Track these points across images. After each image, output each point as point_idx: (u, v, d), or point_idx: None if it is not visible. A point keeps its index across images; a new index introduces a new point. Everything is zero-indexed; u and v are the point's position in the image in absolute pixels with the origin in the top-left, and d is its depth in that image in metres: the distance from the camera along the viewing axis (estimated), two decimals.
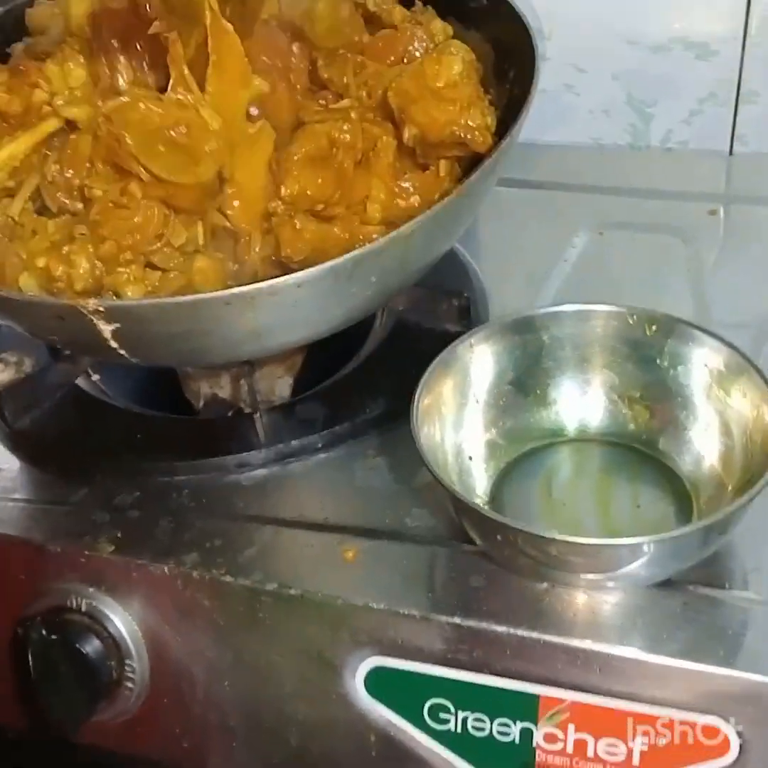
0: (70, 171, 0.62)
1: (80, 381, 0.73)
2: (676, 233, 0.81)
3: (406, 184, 0.65)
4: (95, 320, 0.55)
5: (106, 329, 0.55)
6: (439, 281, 0.72)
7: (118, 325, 0.56)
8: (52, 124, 0.64)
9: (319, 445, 0.67)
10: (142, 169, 0.59)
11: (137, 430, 0.69)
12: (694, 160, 0.90)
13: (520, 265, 0.79)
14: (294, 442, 0.67)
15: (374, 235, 0.63)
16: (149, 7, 0.60)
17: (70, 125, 0.64)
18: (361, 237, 0.63)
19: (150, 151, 0.59)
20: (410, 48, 0.71)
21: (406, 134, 0.65)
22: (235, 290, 0.55)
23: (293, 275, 0.55)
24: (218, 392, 0.75)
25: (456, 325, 0.73)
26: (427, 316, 0.73)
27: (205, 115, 0.59)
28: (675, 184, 0.86)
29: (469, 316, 0.73)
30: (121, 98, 0.60)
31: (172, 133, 0.58)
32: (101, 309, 0.55)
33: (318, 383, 0.73)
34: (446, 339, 0.70)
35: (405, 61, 0.70)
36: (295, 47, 0.68)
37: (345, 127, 0.63)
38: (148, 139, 0.59)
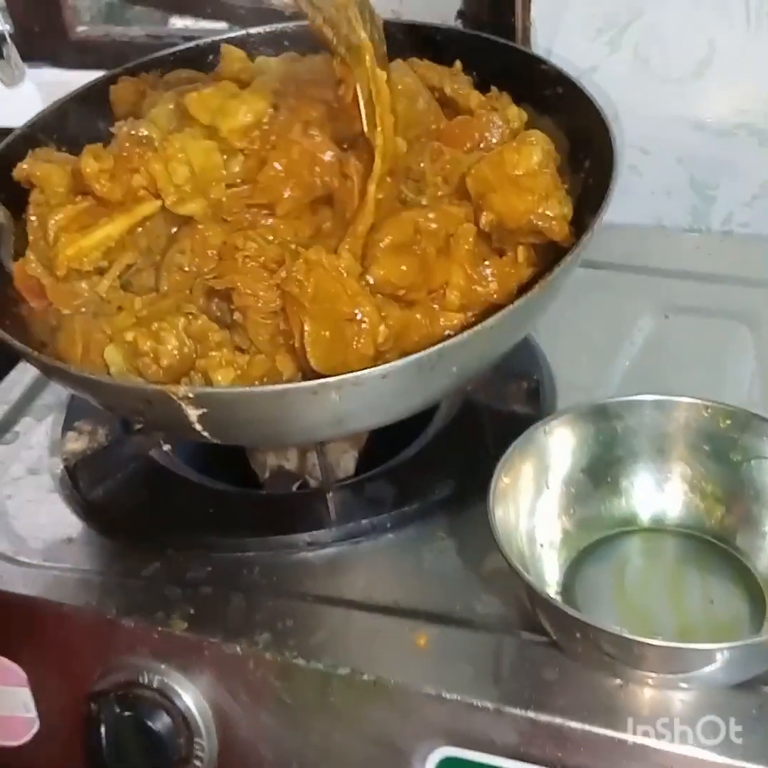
0: (197, 260, 0.64)
1: (152, 451, 0.74)
2: (742, 319, 0.81)
3: (485, 271, 0.65)
4: (184, 405, 0.56)
5: (193, 414, 0.57)
6: (506, 362, 0.73)
7: (205, 410, 0.57)
8: (148, 208, 0.65)
9: (389, 525, 0.68)
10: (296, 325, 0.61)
11: (209, 504, 0.70)
12: (757, 244, 0.91)
13: (586, 347, 0.80)
14: (364, 521, 0.68)
15: (454, 321, 0.64)
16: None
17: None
18: (441, 323, 0.64)
19: (318, 332, 0.60)
20: (486, 134, 0.72)
21: (483, 220, 0.66)
22: (323, 381, 0.56)
23: (379, 367, 0.56)
24: (284, 464, 0.76)
25: (524, 407, 0.74)
26: (495, 398, 0.74)
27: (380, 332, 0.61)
28: (739, 269, 0.86)
29: (537, 399, 0.74)
30: (325, 261, 0.61)
31: (347, 325, 0.60)
32: (191, 395, 0.56)
33: (381, 457, 0.74)
34: (514, 421, 0.72)
35: (481, 146, 0.72)
36: None
37: (431, 216, 0.64)
38: (324, 318, 0.60)
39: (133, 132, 0.67)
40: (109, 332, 0.64)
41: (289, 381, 0.62)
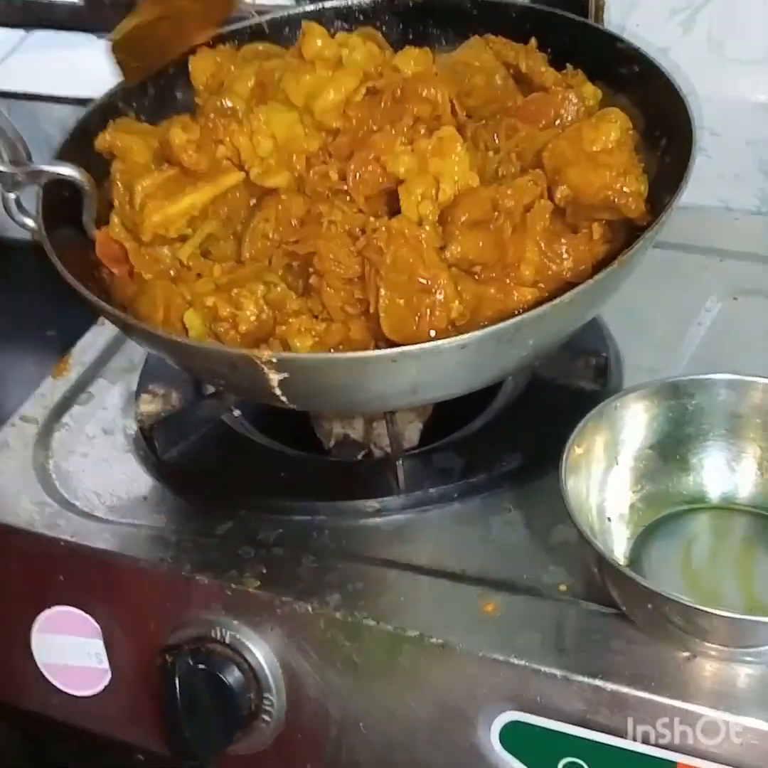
0: (280, 229, 0.66)
1: (224, 415, 0.76)
2: None
3: (560, 248, 0.66)
4: (266, 370, 0.57)
5: (275, 378, 0.58)
6: (574, 339, 0.73)
7: (286, 375, 0.58)
8: (233, 179, 0.67)
9: (456, 495, 0.69)
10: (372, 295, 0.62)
11: (280, 469, 0.71)
12: None
13: (653, 327, 0.80)
14: (431, 490, 0.69)
15: (528, 296, 0.64)
16: None
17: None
18: (514, 298, 0.64)
19: (393, 299, 0.61)
20: (562, 111, 0.72)
21: (558, 195, 0.67)
22: (403, 349, 0.57)
23: (459, 337, 0.57)
24: (350, 433, 0.77)
25: (591, 383, 0.74)
26: (562, 374, 0.75)
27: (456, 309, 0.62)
28: None
29: (605, 376, 0.74)
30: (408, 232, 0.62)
31: (422, 296, 0.61)
32: (274, 360, 0.57)
33: (443, 429, 0.75)
34: (581, 397, 0.72)
35: (557, 124, 0.72)
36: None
37: (508, 192, 0.65)
38: (400, 286, 0.61)
39: (218, 104, 0.68)
40: (189, 298, 0.66)
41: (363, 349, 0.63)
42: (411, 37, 0.80)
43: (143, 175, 0.69)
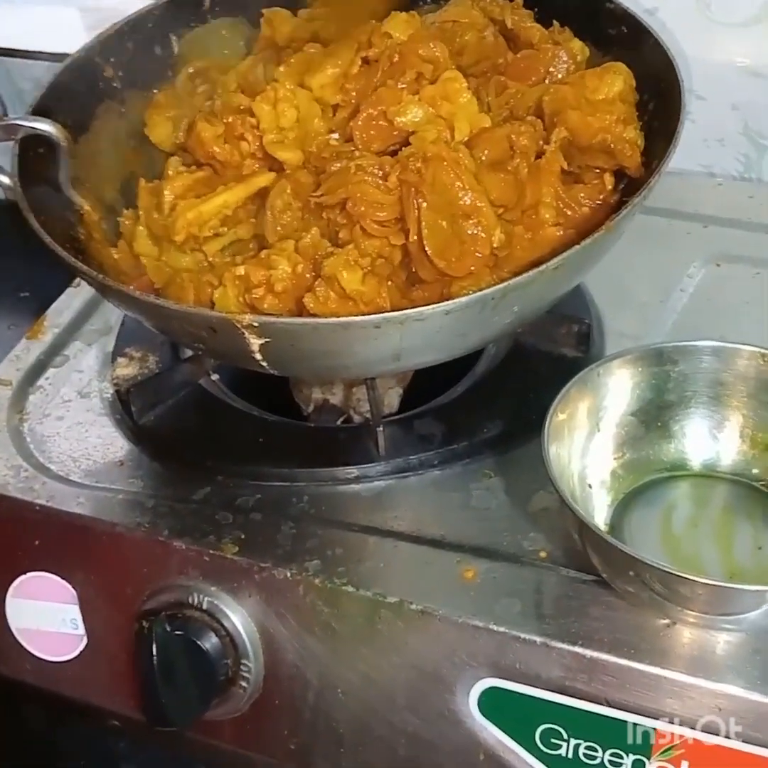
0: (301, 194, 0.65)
1: (201, 380, 0.75)
2: None
3: (577, 194, 0.66)
4: (247, 334, 0.56)
5: (256, 343, 0.57)
6: (556, 306, 0.72)
7: (268, 339, 0.57)
8: (264, 180, 0.66)
9: (436, 462, 0.68)
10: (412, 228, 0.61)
11: (259, 434, 0.70)
12: None
13: (636, 293, 0.79)
14: (412, 457, 0.68)
15: (557, 233, 0.64)
16: None
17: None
18: (542, 236, 0.64)
19: (435, 220, 0.60)
20: (552, 69, 0.72)
21: (555, 136, 0.66)
22: (387, 315, 0.56)
23: (443, 303, 0.56)
24: (330, 398, 0.76)
25: (574, 350, 0.74)
26: (544, 340, 0.74)
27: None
28: None
29: (587, 343, 0.74)
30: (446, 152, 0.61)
31: (463, 221, 0.60)
32: (255, 324, 0.56)
33: (424, 395, 0.74)
34: (564, 364, 0.72)
35: (546, 81, 0.71)
36: None
37: (523, 129, 0.64)
38: (441, 209, 0.60)
39: (234, 103, 0.68)
40: (216, 281, 0.64)
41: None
42: None
43: (173, 177, 0.68)
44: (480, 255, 0.61)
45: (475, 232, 0.61)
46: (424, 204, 0.60)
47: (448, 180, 0.61)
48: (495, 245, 0.61)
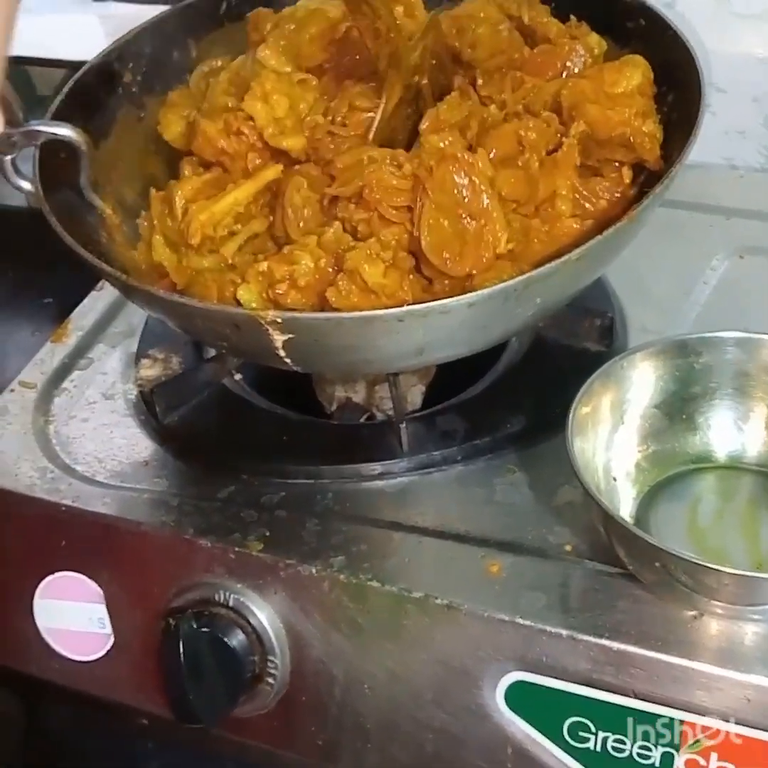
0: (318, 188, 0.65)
1: (225, 379, 0.75)
2: None
3: (596, 187, 0.66)
4: (271, 330, 0.56)
5: (279, 339, 0.57)
6: (579, 300, 0.72)
7: (291, 335, 0.57)
8: (272, 173, 0.66)
9: (459, 458, 0.68)
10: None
11: (283, 432, 0.71)
12: None
13: (658, 287, 0.79)
14: (435, 453, 0.68)
15: (574, 226, 0.64)
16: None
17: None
18: (559, 228, 0.64)
19: (436, 218, 0.60)
20: (568, 63, 0.72)
21: (573, 130, 0.66)
22: (410, 308, 0.56)
23: (466, 295, 0.56)
24: (352, 397, 0.77)
25: (597, 344, 0.73)
26: (567, 335, 0.74)
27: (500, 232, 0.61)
28: None
29: (610, 336, 0.74)
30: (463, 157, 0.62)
31: (463, 218, 0.60)
32: (278, 320, 0.56)
33: (447, 392, 0.74)
34: (587, 358, 0.72)
35: (563, 75, 0.71)
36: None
37: (531, 125, 0.64)
38: (447, 208, 0.61)
39: (220, 104, 0.69)
40: (239, 280, 0.64)
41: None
42: None
43: (182, 181, 0.68)
44: (484, 257, 0.61)
45: (481, 233, 0.61)
46: (427, 201, 0.60)
47: (458, 181, 0.61)
48: (500, 250, 0.61)
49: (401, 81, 0.67)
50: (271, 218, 0.67)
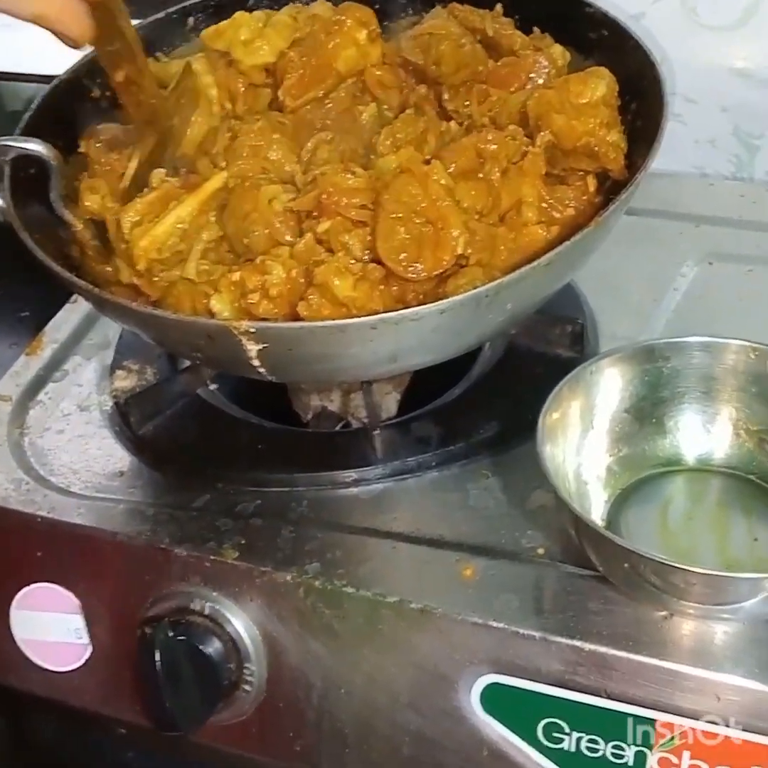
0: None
1: (199, 390, 0.75)
2: None
3: (563, 195, 0.67)
4: (244, 340, 0.57)
5: (253, 349, 0.57)
6: (550, 306, 0.73)
7: (265, 345, 0.57)
8: (216, 182, 0.66)
9: (434, 464, 0.69)
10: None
11: (257, 441, 0.71)
12: None
13: (629, 293, 0.80)
14: (409, 459, 0.69)
15: (540, 232, 0.65)
16: None
17: None
18: (525, 234, 0.65)
19: (392, 226, 0.61)
20: (533, 75, 0.73)
21: (539, 140, 0.67)
22: (383, 315, 0.57)
23: (438, 302, 0.57)
24: (328, 405, 0.77)
25: (568, 350, 0.74)
26: (538, 341, 0.75)
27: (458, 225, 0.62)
28: None
29: (581, 342, 0.74)
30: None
31: (419, 224, 0.61)
32: (252, 330, 0.56)
33: (422, 399, 0.75)
34: (558, 364, 0.72)
35: (528, 87, 0.72)
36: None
37: (490, 137, 0.65)
38: (403, 216, 0.61)
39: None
40: (212, 290, 0.64)
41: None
42: (376, 7, 0.79)
43: (128, 207, 0.67)
44: (444, 260, 0.61)
45: (438, 237, 0.61)
46: (382, 212, 0.61)
47: (414, 191, 0.61)
48: (459, 251, 0.62)
49: (155, 135, 0.69)
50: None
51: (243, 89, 0.73)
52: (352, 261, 0.61)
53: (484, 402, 0.72)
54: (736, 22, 0.89)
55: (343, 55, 0.72)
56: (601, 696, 0.57)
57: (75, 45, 0.62)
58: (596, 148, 0.66)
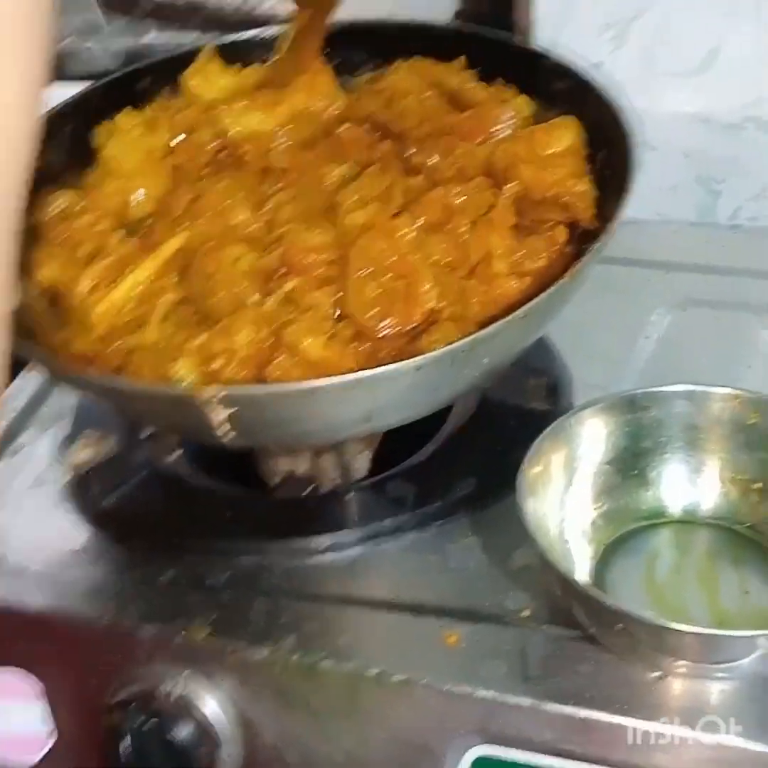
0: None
1: (164, 457, 0.73)
2: (757, 311, 0.80)
3: (534, 245, 0.65)
4: (212, 405, 0.54)
5: (222, 414, 0.55)
6: (522, 359, 0.71)
7: (234, 409, 0.55)
8: (175, 243, 0.64)
9: (411, 525, 0.66)
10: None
11: (225, 510, 0.68)
12: (765, 237, 0.90)
13: (601, 343, 0.79)
14: (385, 521, 0.66)
15: (511, 283, 0.63)
16: None
17: None
18: (497, 286, 0.63)
19: (362, 284, 0.60)
20: (498, 126, 0.72)
21: (507, 191, 0.66)
22: (357, 375, 0.55)
23: (414, 359, 0.55)
24: (295, 469, 0.75)
25: (543, 403, 0.73)
26: (512, 394, 0.73)
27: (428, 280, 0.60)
28: (751, 262, 0.86)
29: (555, 395, 0.73)
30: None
31: (389, 279, 0.60)
32: (222, 394, 0.54)
33: (394, 457, 0.73)
34: (533, 418, 0.71)
35: (495, 139, 0.71)
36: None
37: (456, 191, 0.64)
38: (371, 272, 0.60)
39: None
40: (175, 355, 0.61)
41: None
42: (336, 63, 0.78)
43: (79, 276, 0.64)
44: (416, 314, 0.60)
45: (408, 291, 0.60)
46: (350, 269, 0.60)
47: (381, 246, 0.60)
48: (431, 305, 0.60)
49: None
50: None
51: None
52: (322, 319, 0.59)
53: (459, 458, 0.70)
54: (695, 68, 0.89)
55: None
56: (596, 763, 0.54)
57: None
58: (565, 199, 0.65)
